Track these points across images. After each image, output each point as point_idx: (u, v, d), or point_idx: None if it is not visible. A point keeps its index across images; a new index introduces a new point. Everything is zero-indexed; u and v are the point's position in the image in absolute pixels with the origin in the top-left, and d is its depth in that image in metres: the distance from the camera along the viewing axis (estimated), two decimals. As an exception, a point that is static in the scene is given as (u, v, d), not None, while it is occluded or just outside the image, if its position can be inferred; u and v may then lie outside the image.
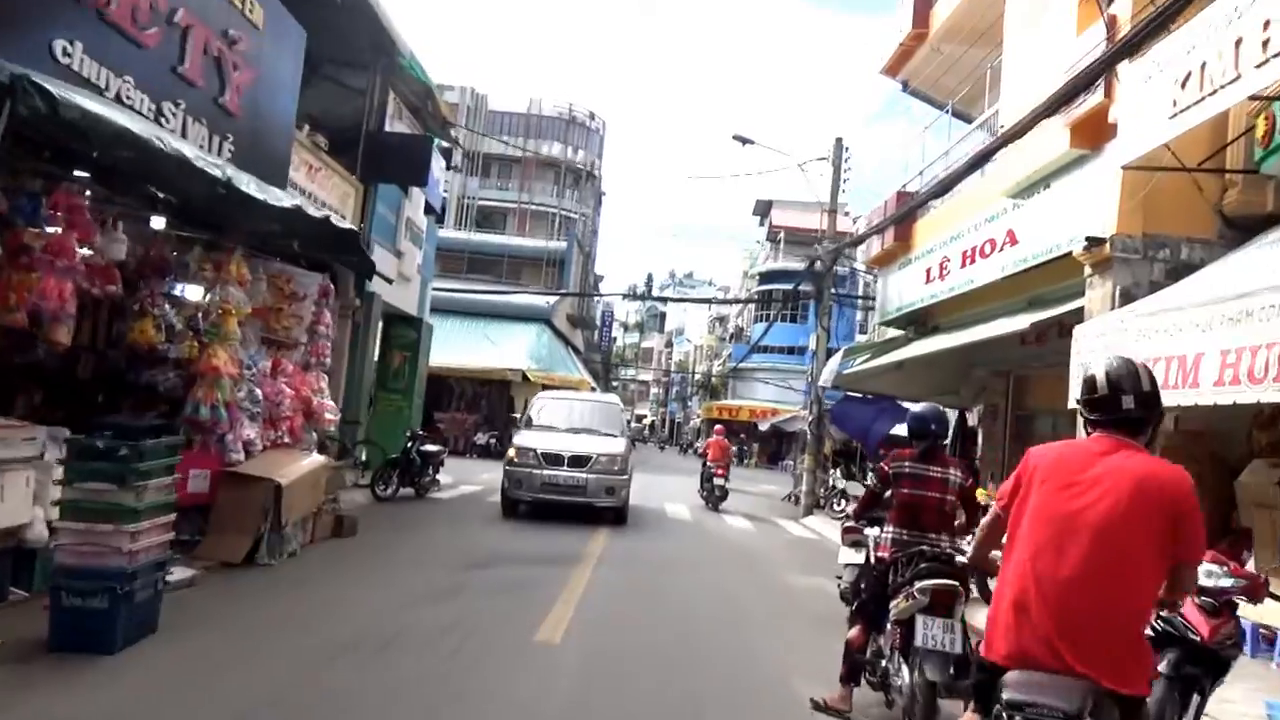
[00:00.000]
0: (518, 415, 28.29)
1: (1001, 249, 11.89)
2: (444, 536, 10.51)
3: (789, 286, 50.76)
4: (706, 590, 8.57)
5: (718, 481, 17.75)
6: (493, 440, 28.97)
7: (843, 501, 16.36)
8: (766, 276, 55.97)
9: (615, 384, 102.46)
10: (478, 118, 55.94)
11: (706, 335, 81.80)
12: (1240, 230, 8.50)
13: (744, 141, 18.14)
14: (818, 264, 17.44)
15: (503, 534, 10.98)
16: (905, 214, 14.63)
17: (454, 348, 29.69)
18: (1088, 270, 9.04)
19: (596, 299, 66.77)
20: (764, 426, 37.97)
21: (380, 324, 17.11)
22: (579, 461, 12.48)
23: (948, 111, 16.41)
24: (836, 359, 15.96)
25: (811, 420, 17.02)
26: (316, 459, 8.51)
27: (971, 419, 20.29)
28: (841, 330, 55.12)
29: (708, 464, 18.29)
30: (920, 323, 15.94)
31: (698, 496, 18.19)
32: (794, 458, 50.65)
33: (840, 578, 7.51)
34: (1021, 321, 9.77)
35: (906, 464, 5.58)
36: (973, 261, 12.78)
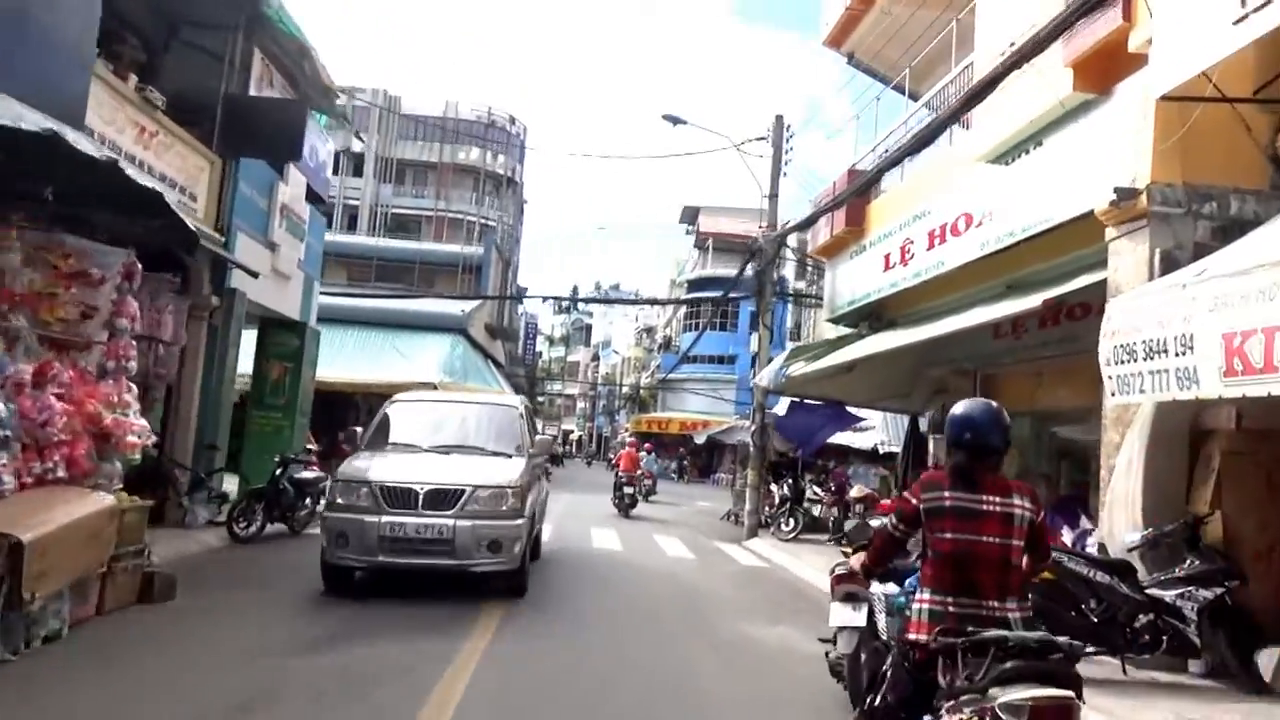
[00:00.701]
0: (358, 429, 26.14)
1: (980, 224, 10.14)
2: (285, 595, 7.87)
3: (718, 294, 49.46)
4: (647, 665, 6.31)
5: (628, 490, 19.38)
6: (403, 461, 26.36)
7: (791, 521, 14.45)
8: (695, 284, 54.47)
9: (541, 399, 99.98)
10: (390, 121, 53.19)
11: (633, 347, 79.95)
12: (1297, 179, 6.85)
13: (675, 121, 16.29)
14: (757, 257, 15.57)
15: (367, 586, 8.20)
16: (860, 189, 12.87)
17: (360, 361, 27.06)
18: (1111, 233, 7.26)
19: (520, 310, 64.40)
20: (700, 439, 35.94)
21: (251, 330, 14.64)
22: (441, 500, 7.81)
23: (903, 91, 14.77)
24: (778, 361, 14.08)
25: (754, 430, 15.10)
26: (100, 500, 6.10)
27: (923, 424, 18.68)
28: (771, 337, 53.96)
29: (619, 474, 20.11)
30: (875, 317, 14.19)
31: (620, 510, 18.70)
32: (729, 471, 49.06)
33: (830, 643, 5.49)
34: (1029, 301, 7.91)
35: (947, 494, 3.57)
36: (943, 241, 11.03)
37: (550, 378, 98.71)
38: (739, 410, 47.34)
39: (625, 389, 71.95)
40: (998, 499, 3.55)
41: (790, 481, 14.75)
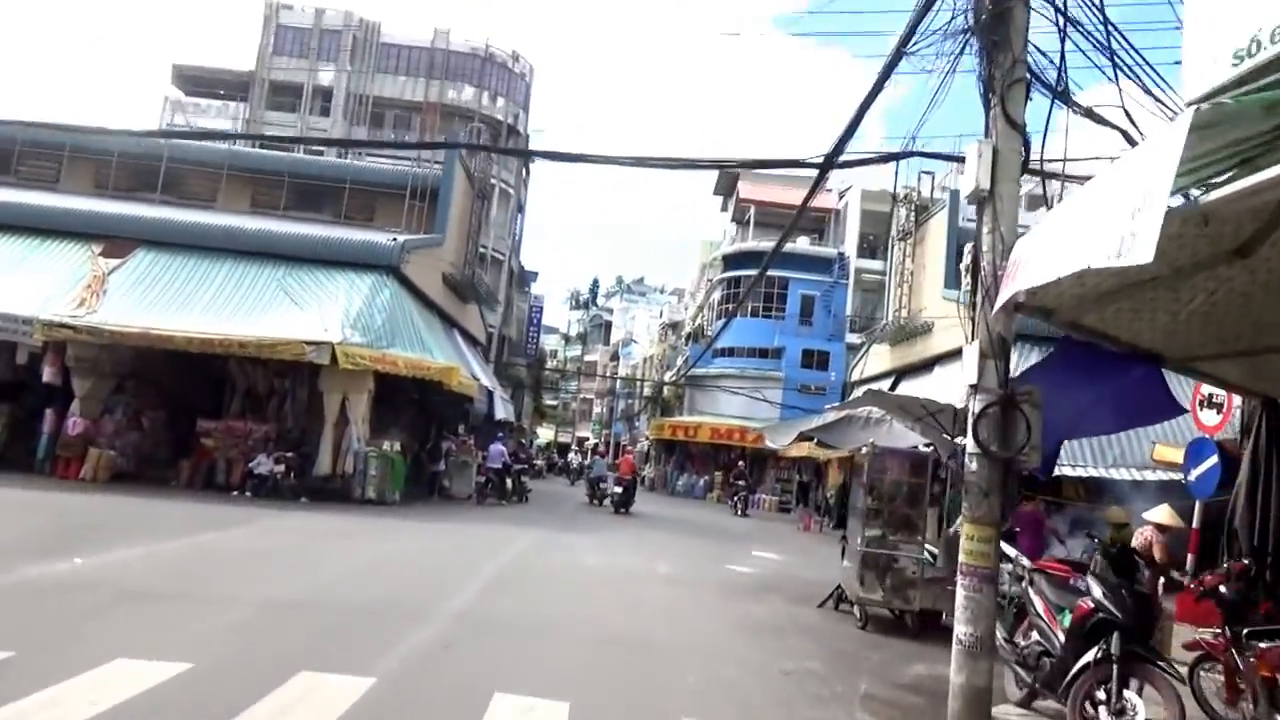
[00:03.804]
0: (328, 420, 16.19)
1: None
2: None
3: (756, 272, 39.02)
4: None
5: (615, 489, 22.77)
6: (280, 471, 16.52)
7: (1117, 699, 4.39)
8: (732, 260, 44.47)
9: (554, 402, 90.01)
10: (367, 52, 43.79)
11: (656, 344, 69.89)
12: None
13: None
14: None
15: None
16: None
17: (226, 308, 17.37)
18: None
19: (528, 294, 54.51)
20: (780, 440, 22.19)
21: None
22: None
23: None
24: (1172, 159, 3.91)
25: (984, 410, 5.11)
26: None
27: None
28: (825, 325, 43.57)
29: (620, 476, 23.61)
30: None
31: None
32: (774, 491, 38.74)
33: None
34: None
35: None
36: None
37: (565, 377, 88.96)
38: (786, 416, 37.19)
39: (647, 390, 61.88)
40: None
41: (1112, 561, 4.72)
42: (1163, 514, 8.34)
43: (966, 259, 5.89)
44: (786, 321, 41.97)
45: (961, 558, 5.39)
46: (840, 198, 45.24)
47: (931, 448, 8.90)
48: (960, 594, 5.36)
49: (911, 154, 9.82)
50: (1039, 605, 5.50)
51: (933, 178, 25.25)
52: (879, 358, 26.14)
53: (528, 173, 49.87)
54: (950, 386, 19.48)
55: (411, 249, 19.66)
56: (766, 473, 39.04)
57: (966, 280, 5.76)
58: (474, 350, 27.76)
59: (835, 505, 25.57)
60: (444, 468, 20.54)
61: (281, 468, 16.58)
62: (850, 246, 42.59)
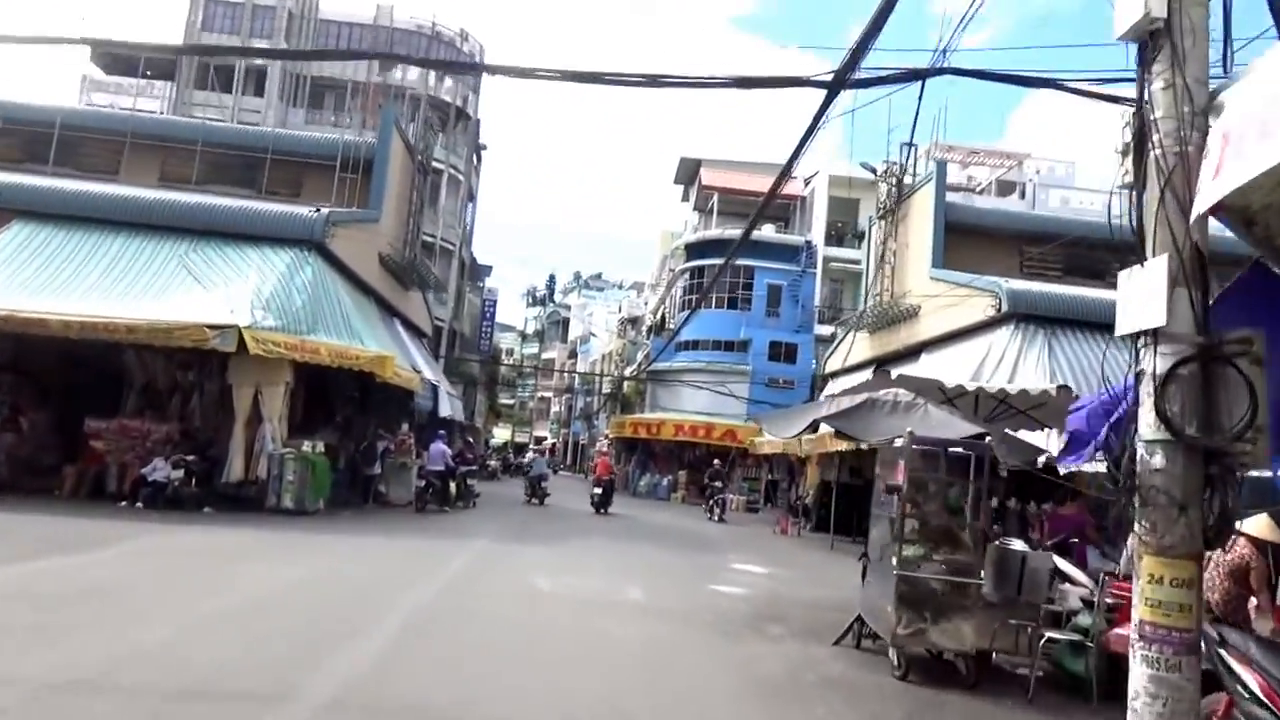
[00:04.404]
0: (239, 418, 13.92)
1: None
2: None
3: (720, 261, 36.89)
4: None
5: (595, 490, 22.88)
6: (178, 477, 14.05)
7: None
8: (695, 249, 42.34)
9: (510, 401, 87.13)
10: (304, 29, 40.95)
11: (615, 339, 67.53)
12: None
13: None
14: None
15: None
16: None
17: (116, 288, 14.86)
18: None
19: (482, 285, 51.95)
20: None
21: None
22: None
23: None
24: None
25: (1186, 366, 3.15)
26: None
27: None
28: (792, 316, 41.73)
29: (597, 476, 23.53)
30: None
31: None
32: (738, 490, 36.65)
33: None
34: None
35: None
36: None
37: (522, 375, 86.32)
38: (753, 411, 35.18)
39: (607, 386, 59.57)
40: None
41: None
42: (1261, 525, 6.28)
43: (1126, 135, 3.71)
44: (753, 313, 39.96)
45: (1140, 613, 3.30)
46: (806, 184, 43.42)
47: (987, 438, 6.88)
48: (1141, 674, 3.27)
49: (942, 71, 7.82)
50: (1253, 683, 3.46)
51: (914, 150, 23.37)
52: (858, 345, 24.27)
53: (479, 159, 47.34)
54: (940, 375, 17.64)
55: (339, 223, 17.22)
56: (733, 470, 37.08)
57: (1124, 166, 3.61)
58: (418, 342, 25.34)
59: (814, 506, 23.61)
60: (380, 471, 18.14)
61: (181, 473, 14.11)
62: (817, 235, 40.79)
